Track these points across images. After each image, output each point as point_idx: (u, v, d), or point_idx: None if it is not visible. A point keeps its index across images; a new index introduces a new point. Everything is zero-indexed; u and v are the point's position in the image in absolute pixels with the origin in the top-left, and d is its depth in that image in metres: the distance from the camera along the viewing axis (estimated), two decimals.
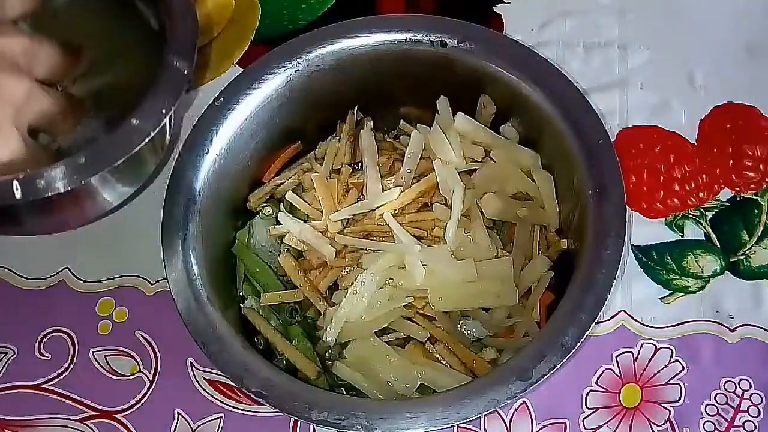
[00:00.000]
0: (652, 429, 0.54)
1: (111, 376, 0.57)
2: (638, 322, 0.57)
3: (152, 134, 0.41)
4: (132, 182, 0.52)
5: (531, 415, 0.55)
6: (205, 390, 0.56)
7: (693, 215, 0.60)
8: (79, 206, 0.49)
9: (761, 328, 0.56)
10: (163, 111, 0.41)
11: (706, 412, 0.54)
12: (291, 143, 0.59)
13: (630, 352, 0.56)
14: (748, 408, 0.54)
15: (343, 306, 0.51)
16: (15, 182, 0.39)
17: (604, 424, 0.54)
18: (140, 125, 0.41)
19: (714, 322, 0.57)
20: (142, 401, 0.56)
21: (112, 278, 0.60)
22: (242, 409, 0.56)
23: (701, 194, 0.61)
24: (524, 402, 0.55)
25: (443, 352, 0.52)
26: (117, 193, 0.51)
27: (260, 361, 0.48)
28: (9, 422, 0.56)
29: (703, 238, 0.59)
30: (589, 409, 0.55)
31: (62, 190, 0.40)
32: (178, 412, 0.56)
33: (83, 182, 0.41)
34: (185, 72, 0.42)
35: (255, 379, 0.46)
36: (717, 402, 0.55)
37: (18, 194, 0.39)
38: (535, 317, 0.53)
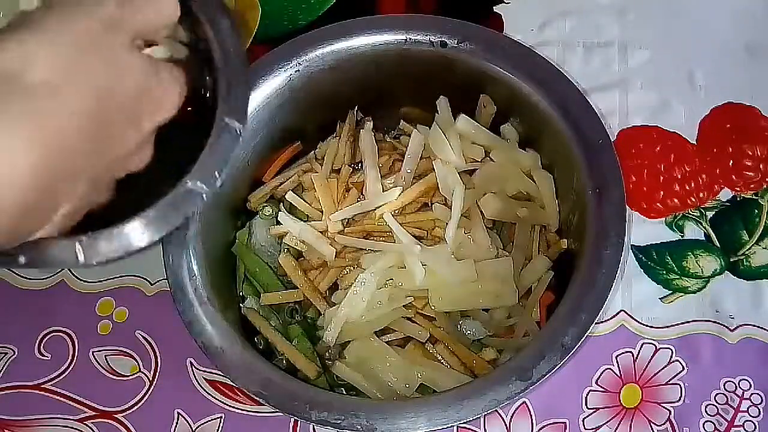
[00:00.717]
0: (652, 429, 0.54)
1: (111, 376, 0.57)
2: (638, 322, 0.57)
3: (206, 198, 0.40)
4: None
5: (531, 415, 0.55)
6: (205, 390, 0.56)
7: (693, 215, 0.60)
8: None
9: (761, 328, 0.56)
10: (217, 173, 0.40)
11: (706, 412, 0.54)
12: (291, 143, 0.59)
13: (630, 352, 0.56)
14: (748, 408, 0.54)
15: (343, 306, 0.51)
16: (77, 244, 0.37)
17: (604, 424, 0.54)
18: (195, 188, 0.40)
19: (714, 322, 0.57)
20: (142, 401, 0.56)
21: (112, 278, 0.60)
22: (242, 409, 0.56)
23: (701, 194, 0.61)
24: (524, 402, 0.55)
25: (443, 352, 0.52)
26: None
27: (260, 361, 0.48)
28: (9, 422, 0.56)
29: (703, 238, 0.59)
30: (589, 409, 0.55)
31: (118, 256, 0.39)
32: (178, 412, 0.56)
33: (139, 249, 0.40)
34: (238, 132, 0.41)
35: (255, 379, 0.46)
36: (717, 402, 0.55)
37: (81, 257, 0.37)
38: (535, 317, 0.53)
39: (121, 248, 0.39)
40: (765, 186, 0.61)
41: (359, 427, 0.45)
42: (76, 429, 0.56)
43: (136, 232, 0.39)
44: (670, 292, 0.58)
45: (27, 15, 0.33)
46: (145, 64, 0.36)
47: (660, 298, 0.58)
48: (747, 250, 0.59)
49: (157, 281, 0.59)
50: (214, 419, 0.56)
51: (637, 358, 0.56)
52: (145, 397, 0.56)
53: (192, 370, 0.57)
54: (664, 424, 0.54)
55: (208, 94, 0.41)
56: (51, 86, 0.32)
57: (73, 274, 0.60)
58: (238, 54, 0.41)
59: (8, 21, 0.33)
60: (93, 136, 0.34)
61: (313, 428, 0.55)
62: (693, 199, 0.61)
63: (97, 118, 0.34)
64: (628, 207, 0.50)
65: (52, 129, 0.32)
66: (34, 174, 0.31)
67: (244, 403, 0.56)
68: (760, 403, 0.54)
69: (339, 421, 0.45)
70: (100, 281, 0.60)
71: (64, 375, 0.57)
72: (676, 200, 0.61)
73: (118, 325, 0.59)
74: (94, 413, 0.56)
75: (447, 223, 0.52)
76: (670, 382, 0.55)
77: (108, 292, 0.60)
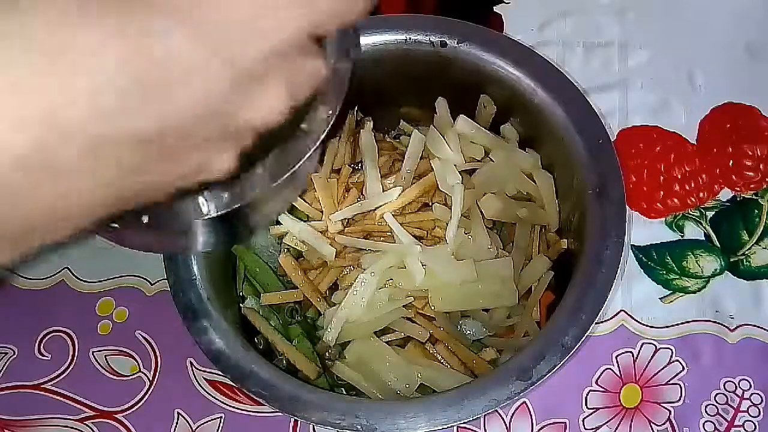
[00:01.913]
0: (652, 429, 0.54)
1: (111, 376, 0.57)
2: (638, 322, 0.57)
3: (323, 137, 0.40)
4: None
5: (531, 415, 0.55)
6: (205, 390, 0.56)
7: (693, 215, 0.60)
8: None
9: (761, 328, 0.56)
10: (330, 112, 0.40)
11: (706, 412, 0.54)
12: None
13: (630, 352, 0.56)
14: (748, 408, 0.54)
15: (343, 306, 0.51)
16: (201, 198, 0.37)
17: (604, 424, 0.54)
18: (309, 128, 0.39)
19: (714, 322, 0.57)
20: (142, 401, 0.56)
21: (112, 278, 0.60)
22: (242, 409, 0.56)
23: (701, 194, 0.61)
24: (524, 402, 0.55)
25: (443, 352, 0.52)
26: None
27: (260, 361, 0.48)
28: (9, 422, 0.56)
29: (703, 238, 0.59)
30: (589, 409, 0.55)
31: (246, 201, 0.38)
32: (178, 412, 0.56)
33: (264, 190, 0.38)
34: (346, 74, 0.41)
35: (255, 379, 0.46)
36: (717, 402, 0.55)
37: (206, 209, 0.37)
38: (535, 317, 0.53)
39: (261, 185, 0.38)
40: (765, 186, 0.61)
41: (359, 427, 0.45)
42: (76, 429, 0.56)
43: (258, 178, 0.38)
44: (670, 292, 0.58)
45: None
46: None
47: (660, 298, 0.58)
48: (747, 250, 0.59)
49: (157, 281, 0.59)
50: (214, 419, 0.56)
51: (637, 358, 0.56)
52: (145, 397, 0.56)
53: (192, 370, 0.57)
54: (664, 424, 0.54)
55: None
56: None
57: (73, 273, 0.60)
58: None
59: None
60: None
61: (313, 428, 0.55)
62: (693, 199, 0.61)
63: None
64: (628, 207, 0.50)
65: None
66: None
67: (244, 403, 0.56)
68: (760, 403, 0.54)
69: (339, 421, 0.45)
70: (100, 281, 0.60)
71: (64, 375, 0.57)
72: (676, 200, 0.61)
73: (118, 325, 0.59)
74: (94, 413, 0.56)
75: (447, 223, 0.52)
76: (670, 382, 0.55)
77: (108, 292, 0.60)
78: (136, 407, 0.56)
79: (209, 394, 0.56)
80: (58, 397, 0.57)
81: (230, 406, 0.56)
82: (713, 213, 0.60)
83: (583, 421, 0.54)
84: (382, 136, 0.60)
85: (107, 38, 0.23)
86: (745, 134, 0.62)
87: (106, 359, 0.57)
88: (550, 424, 0.55)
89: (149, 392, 0.57)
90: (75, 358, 0.58)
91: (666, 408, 0.55)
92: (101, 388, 0.57)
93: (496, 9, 0.68)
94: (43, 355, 0.58)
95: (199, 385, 0.56)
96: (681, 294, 0.58)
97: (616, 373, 0.56)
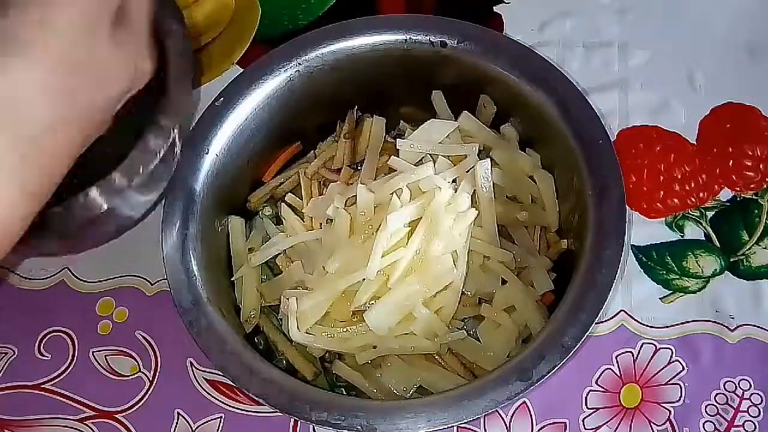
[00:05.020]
0: (652, 429, 0.54)
1: (111, 376, 0.57)
2: (638, 322, 0.57)
3: (126, 190, 0.43)
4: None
5: (531, 415, 0.55)
6: (205, 390, 0.56)
7: (693, 215, 0.60)
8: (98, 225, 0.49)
9: (761, 328, 0.56)
10: (141, 168, 0.42)
11: (706, 412, 0.54)
12: (291, 143, 0.59)
13: (630, 352, 0.56)
14: (748, 408, 0.54)
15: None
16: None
17: (604, 424, 0.54)
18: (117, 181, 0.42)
19: (714, 322, 0.57)
20: (142, 401, 0.56)
21: (112, 278, 0.60)
22: (242, 409, 0.56)
23: (701, 194, 0.61)
24: (524, 402, 0.55)
25: (447, 357, 0.52)
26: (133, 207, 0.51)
27: (260, 361, 0.48)
28: (9, 422, 0.56)
29: (703, 238, 0.59)
30: (589, 409, 0.55)
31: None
32: (178, 412, 0.56)
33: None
34: (170, 134, 0.43)
35: (255, 379, 0.46)
36: (717, 402, 0.55)
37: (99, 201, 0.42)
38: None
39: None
40: (765, 186, 0.61)
41: (359, 427, 0.45)
42: (76, 429, 0.56)
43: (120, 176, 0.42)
44: (670, 292, 0.58)
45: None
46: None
47: (660, 298, 0.58)
48: (747, 250, 0.59)
49: (157, 281, 0.59)
50: (214, 419, 0.56)
51: (637, 358, 0.56)
52: (145, 397, 0.56)
53: (192, 370, 0.57)
54: (664, 424, 0.54)
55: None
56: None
57: (73, 273, 0.60)
58: (186, 61, 0.43)
59: None
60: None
61: (313, 428, 0.55)
62: (693, 199, 0.61)
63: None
64: (628, 207, 0.50)
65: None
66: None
67: (244, 403, 0.56)
68: (760, 403, 0.54)
69: (339, 421, 0.45)
70: (100, 281, 0.60)
71: (64, 375, 0.57)
72: (676, 200, 0.61)
73: (118, 325, 0.59)
74: (94, 413, 0.56)
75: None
76: (670, 382, 0.55)
77: (108, 292, 0.60)
78: (136, 407, 0.56)
79: (209, 394, 0.56)
80: (58, 397, 0.57)
81: (230, 406, 0.56)
82: (713, 213, 0.60)
83: (583, 421, 0.54)
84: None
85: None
86: (745, 134, 0.62)
87: (106, 359, 0.57)
88: (550, 424, 0.55)
89: (149, 392, 0.57)
90: (75, 358, 0.58)
91: (666, 408, 0.55)
92: (101, 388, 0.57)
93: (496, 9, 0.68)
94: (43, 355, 0.58)
95: (199, 385, 0.56)
96: (681, 294, 0.58)
97: (616, 373, 0.56)
